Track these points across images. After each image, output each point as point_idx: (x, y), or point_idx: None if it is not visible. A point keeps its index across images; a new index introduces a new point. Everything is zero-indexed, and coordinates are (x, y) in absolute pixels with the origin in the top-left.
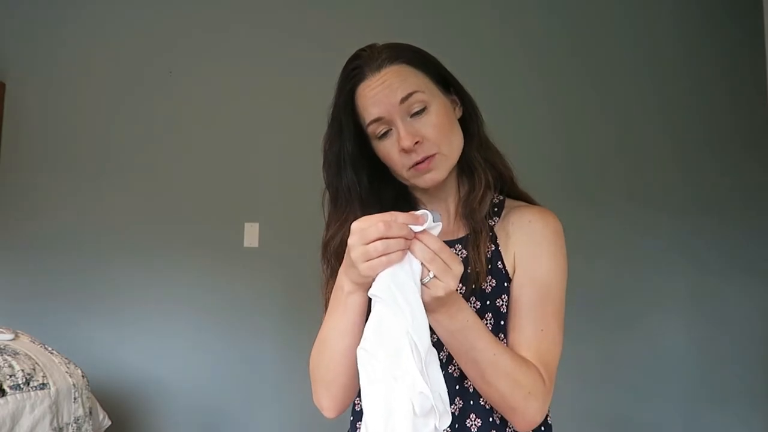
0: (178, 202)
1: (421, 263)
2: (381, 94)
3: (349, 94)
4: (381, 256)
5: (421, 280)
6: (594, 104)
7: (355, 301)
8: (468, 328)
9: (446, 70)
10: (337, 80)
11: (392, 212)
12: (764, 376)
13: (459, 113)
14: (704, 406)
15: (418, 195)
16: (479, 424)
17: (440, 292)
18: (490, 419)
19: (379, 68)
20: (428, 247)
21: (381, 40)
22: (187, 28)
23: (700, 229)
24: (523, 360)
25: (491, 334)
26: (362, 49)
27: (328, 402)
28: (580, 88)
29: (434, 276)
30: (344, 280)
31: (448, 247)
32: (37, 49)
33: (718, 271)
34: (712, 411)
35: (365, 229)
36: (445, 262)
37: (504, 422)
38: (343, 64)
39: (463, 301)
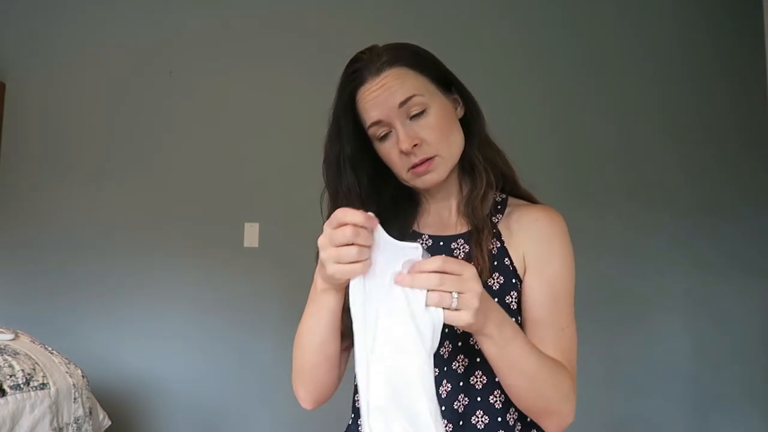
0: (178, 202)
1: (432, 290)
2: (380, 98)
3: (349, 96)
4: (354, 263)
5: (444, 308)
6: (595, 104)
7: (328, 300)
8: (516, 338)
9: (447, 70)
10: (338, 82)
11: (360, 213)
12: (764, 376)
13: (461, 113)
14: (704, 406)
15: (421, 193)
16: (486, 421)
17: (475, 302)
18: (499, 419)
19: (378, 72)
20: (434, 271)
21: (381, 40)
22: (187, 28)
23: (700, 230)
24: (557, 362)
25: (529, 340)
26: (362, 52)
27: (303, 394)
28: (581, 89)
29: (457, 294)
30: (317, 277)
31: (449, 258)
32: (37, 49)
33: (718, 271)
34: (713, 411)
35: (334, 232)
36: (455, 274)
37: (514, 421)
38: (343, 65)
39: (501, 309)
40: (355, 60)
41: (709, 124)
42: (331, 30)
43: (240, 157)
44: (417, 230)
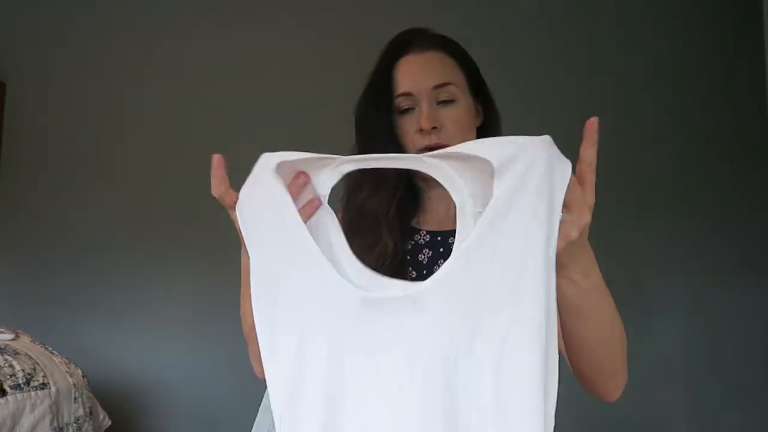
0: (178, 202)
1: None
2: (418, 72)
3: (390, 63)
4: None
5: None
6: (593, 105)
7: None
8: (601, 283)
9: (482, 78)
10: (383, 49)
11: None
12: (764, 376)
13: (479, 122)
14: (704, 406)
15: (420, 183)
16: None
17: (575, 232)
18: None
19: (425, 49)
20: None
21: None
22: (187, 28)
23: (699, 230)
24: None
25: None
26: (412, 29)
27: (256, 365)
28: (579, 89)
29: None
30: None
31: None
32: (37, 49)
33: (718, 271)
34: (712, 411)
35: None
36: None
37: None
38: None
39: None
40: (406, 32)
41: (708, 125)
42: (331, 29)
43: (240, 156)
44: (416, 226)
